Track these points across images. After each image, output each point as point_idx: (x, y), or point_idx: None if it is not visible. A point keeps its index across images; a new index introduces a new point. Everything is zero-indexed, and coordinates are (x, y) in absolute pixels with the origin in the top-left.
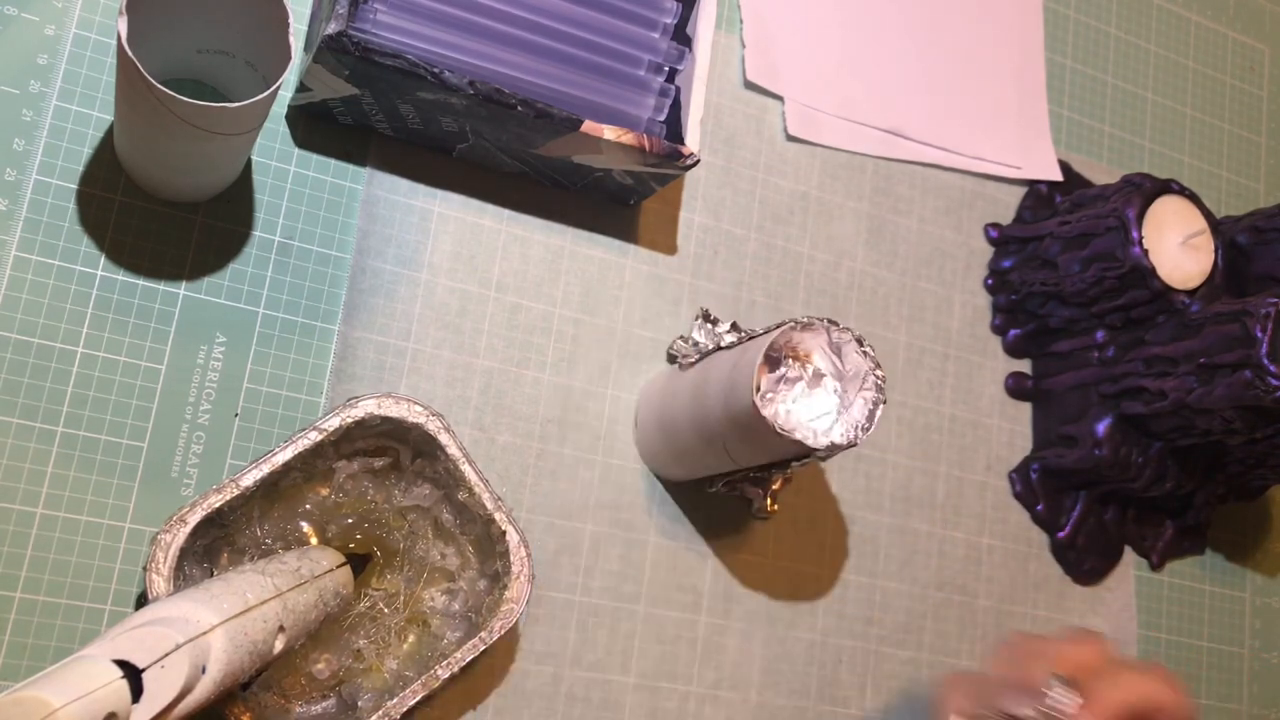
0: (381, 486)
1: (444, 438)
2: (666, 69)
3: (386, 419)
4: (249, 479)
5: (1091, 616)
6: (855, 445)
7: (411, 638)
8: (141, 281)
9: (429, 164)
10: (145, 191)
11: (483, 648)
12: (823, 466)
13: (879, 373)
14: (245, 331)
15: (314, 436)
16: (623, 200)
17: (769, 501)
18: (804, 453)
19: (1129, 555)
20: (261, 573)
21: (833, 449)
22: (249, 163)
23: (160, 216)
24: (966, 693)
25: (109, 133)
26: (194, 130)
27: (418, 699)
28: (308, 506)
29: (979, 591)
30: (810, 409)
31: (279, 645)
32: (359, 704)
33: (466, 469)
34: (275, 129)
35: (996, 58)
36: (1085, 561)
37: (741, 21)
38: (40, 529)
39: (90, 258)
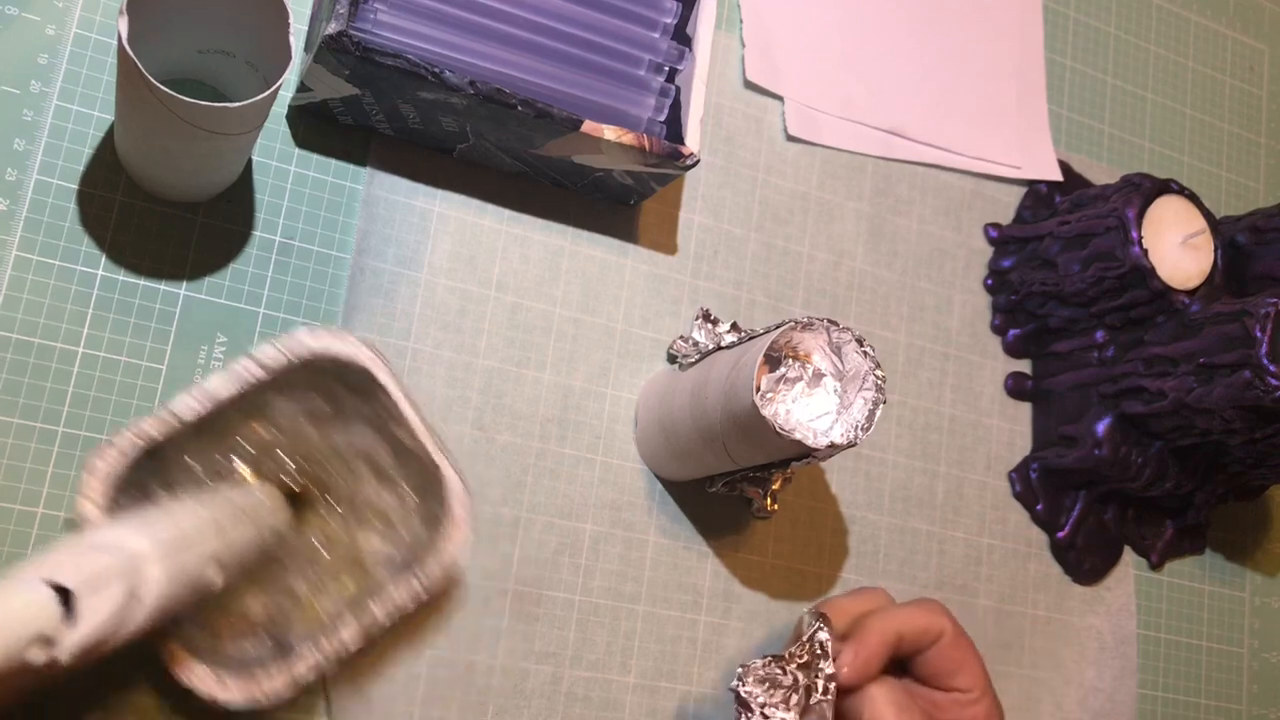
0: (321, 426)
1: (383, 377)
2: (667, 69)
3: (326, 356)
4: (185, 411)
5: (1091, 616)
6: (855, 445)
7: (349, 581)
8: (142, 281)
9: (429, 164)
10: (146, 191)
11: (421, 590)
12: (823, 466)
13: (879, 373)
14: (246, 331)
15: (252, 371)
16: (623, 200)
17: (769, 501)
18: (804, 453)
19: (1129, 555)
20: (200, 505)
21: (833, 449)
22: (249, 163)
23: (161, 217)
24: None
25: (110, 133)
26: (194, 130)
27: (353, 641)
28: (245, 444)
29: (979, 591)
30: (810, 409)
31: (215, 578)
32: (293, 645)
33: (406, 409)
34: (276, 129)
35: (996, 58)
36: (1085, 561)
37: (741, 21)
38: (40, 529)
39: (91, 258)
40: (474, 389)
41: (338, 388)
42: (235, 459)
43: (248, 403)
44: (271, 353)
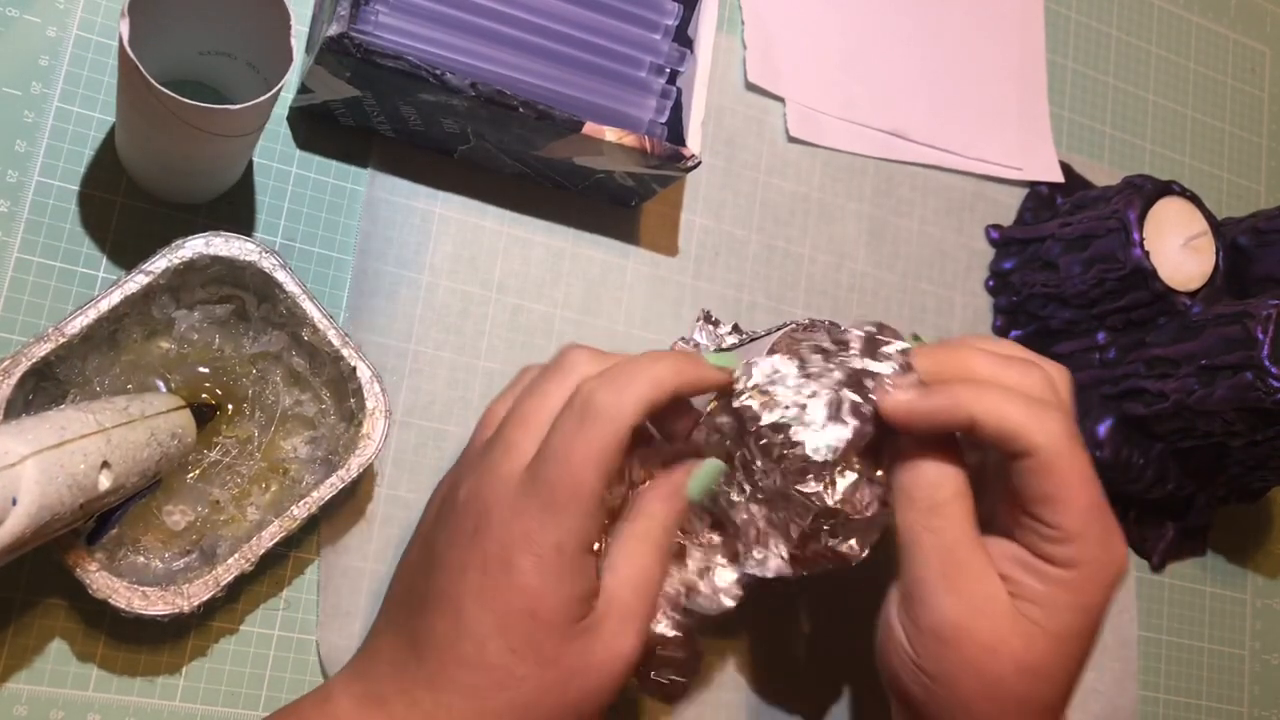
0: (230, 336)
1: (280, 275)
2: (668, 71)
3: (217, 259)
4: (74, 326)
5: None
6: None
7: (273, 486)
8: None
9: (430, 166)
10: (147, 193)
11: (341, 485)
12: None
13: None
14: None
15: (141, 279)
16: (624, 202)
17: None
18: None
19: (1130, 557)
20: (83, 410)
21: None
22: (250, 164)
23: (162, 218)
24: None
25: (110, 134)
26: (195, 132)
27: (275, 540)
28: (151, 361)
29: None
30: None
31: (104, 482)
32: (217, 552)
33: (308, 305)
34: (277, 130)
35: (998, 59)
36: None
37: (743, 23)
38: None
39: (92, 259)
40: (475, 391)
41: (244, 295)
42: (145, 377)
43: (148, 318)
44: (160, 261)
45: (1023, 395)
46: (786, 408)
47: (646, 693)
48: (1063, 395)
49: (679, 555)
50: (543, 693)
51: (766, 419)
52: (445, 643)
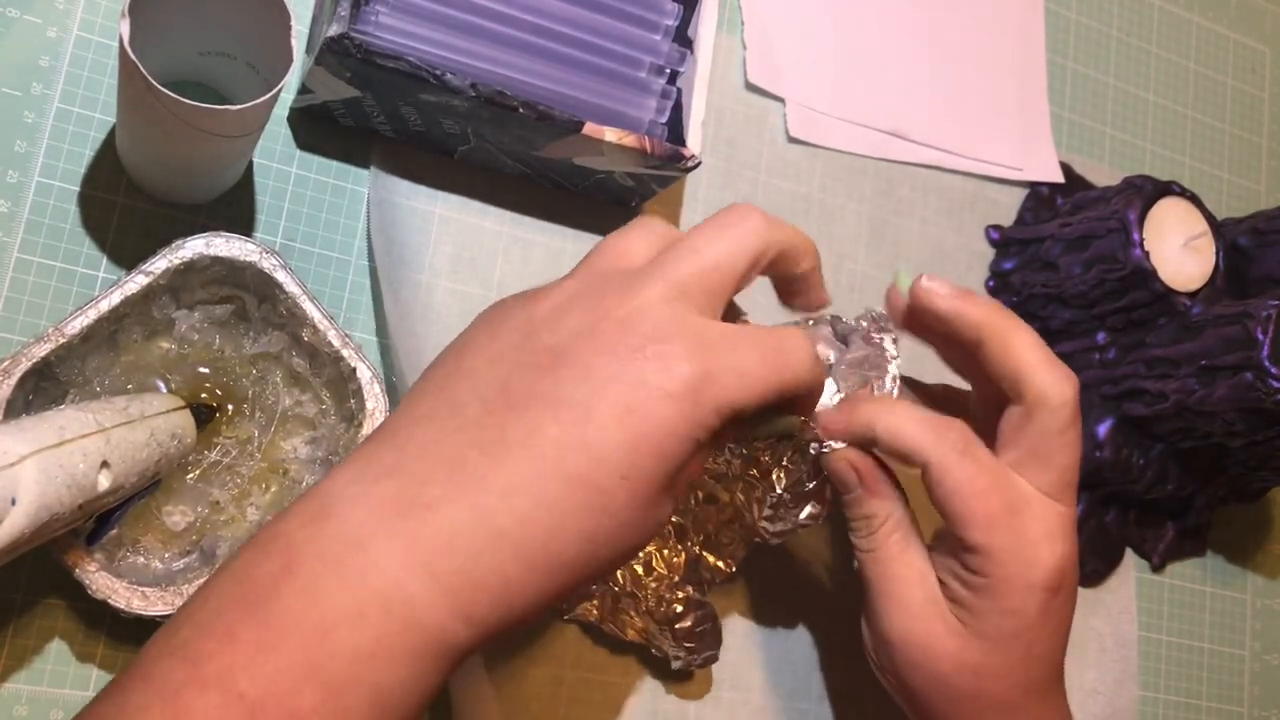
0: (230, 337)
1: (281, 275)
2: (668, 71)
3: (217, 259)
4: (74, 326)
5: (1091, 618)
6: None
7: (273, 487)
8: None
9: (431, 166)
10: (147, 194)
11: None
12: None
13: (892, 354)
14: None
15: (141, 280)
16: (624, 202)
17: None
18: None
19: (1130, 557)
20: (82, 410)
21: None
22: (250, 165)
23: (162, 218)
24: None
25: (111, 135)
26: (196, 132)
27: None
28: (151, 362)
29: None
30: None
31: (104, 482)
32: (217, 553)
33: (308, 306)
34: (277, 131)
35: (998, 59)
36: (1086, 563)
37: (743, 23)
38: None
39: (92, 259)
40: None
41: (245, 296)
42: (145, 377)
43: (148, 319)
44: (160, 262)
45: (924, 414)
46: None
47: (681, 664)
48: (1057, 405)
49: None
50: (619, 530)
51: None
52: (552, 449)
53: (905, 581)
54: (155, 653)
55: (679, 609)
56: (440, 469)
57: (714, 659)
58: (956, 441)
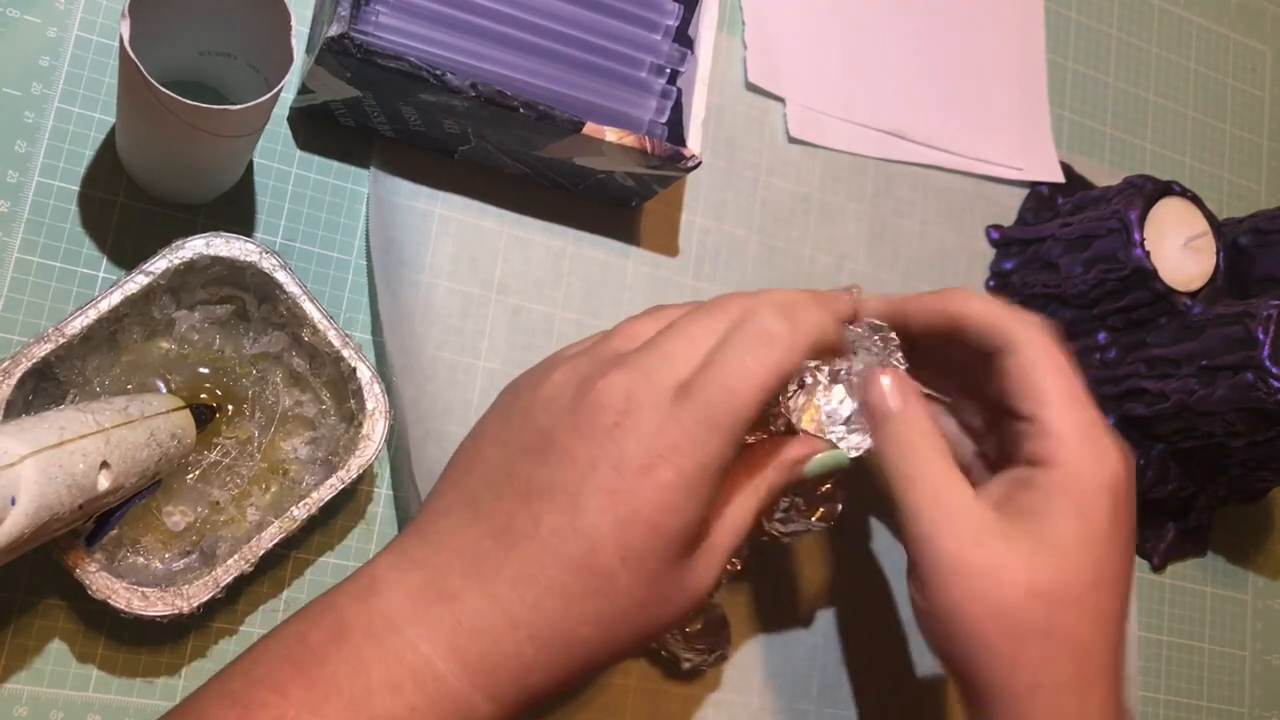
0: (230, 337)
1: (281, 275)
2: (668, 71)
3: (217, 259)
4: (74, 326)
5: None
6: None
7: (273, 487)
8: None
9: (431, 166)
10: (147, 194)
11: (341, 486)
12: None
13: (898, 356)
14: None
15: (141, 280)
16: (624, 202)
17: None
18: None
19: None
20: (82, 410)
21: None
22: (251, 165)
23: (162, 219)
24: None
25: (111, 135)
26: (196, 132)
27: (275, 541)
28: (151, 362)
29: None
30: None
31: (104, 482)
32: (217, 553)
33: (308, 306)
34: (277, 131)
35: (998, 60)
36: None
37: (743, 23)
38: None
39: (92, 260)
40: (475, 391)
41: (245, 296)
42: (146, 377)
43: (148, 319)
44: (160, 262)
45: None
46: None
47: (691, 665)
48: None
49: None
50: (631, 609)
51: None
52: (552, 537)
53: (956, 505)
54: (208, 697)
55: None
56: (459, 560)
57: (725, 658)
58: (1039, 324)
